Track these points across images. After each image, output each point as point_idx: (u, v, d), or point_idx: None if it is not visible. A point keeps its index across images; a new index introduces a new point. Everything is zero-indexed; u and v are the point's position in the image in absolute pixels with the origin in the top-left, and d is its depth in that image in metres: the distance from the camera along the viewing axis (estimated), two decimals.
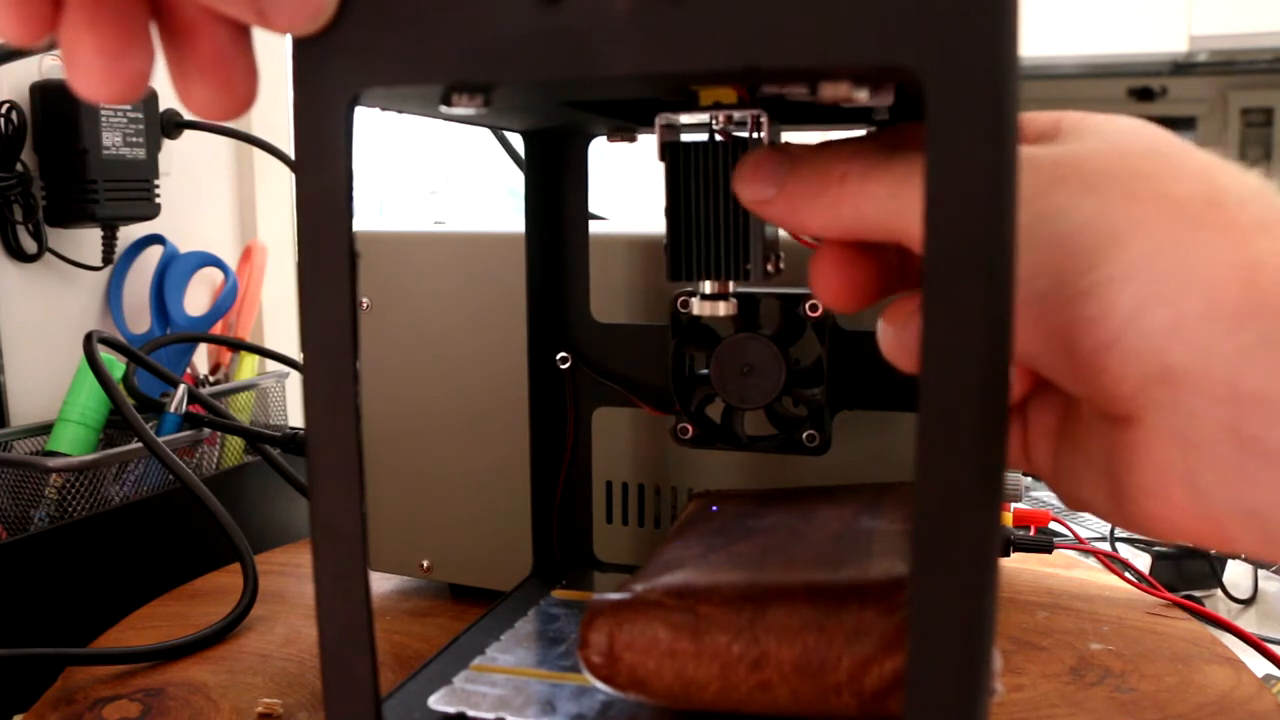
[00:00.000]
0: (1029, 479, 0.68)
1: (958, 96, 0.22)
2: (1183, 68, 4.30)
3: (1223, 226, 0.25)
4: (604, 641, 0.30)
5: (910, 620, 0.23)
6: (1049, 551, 0.58)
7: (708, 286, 0.38)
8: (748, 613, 0.29)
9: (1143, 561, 0.72)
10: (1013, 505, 0.56)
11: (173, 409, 0.69)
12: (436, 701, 0.34)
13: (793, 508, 0.38)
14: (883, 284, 0.30)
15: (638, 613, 0.30)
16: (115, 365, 0.71)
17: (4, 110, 0.72)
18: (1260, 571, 0.76)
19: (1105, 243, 0.25)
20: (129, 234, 0.83)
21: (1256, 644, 0.53)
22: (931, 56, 0.22)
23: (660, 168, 0.37)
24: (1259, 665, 0.51)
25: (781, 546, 0.33)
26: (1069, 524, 0.65)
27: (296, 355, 0.86)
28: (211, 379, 0.88)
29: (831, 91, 0.26)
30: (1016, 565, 0.63)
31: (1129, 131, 0.28)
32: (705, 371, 0.44)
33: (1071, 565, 0.64)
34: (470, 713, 0.33)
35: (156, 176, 0.80)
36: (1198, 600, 0.60)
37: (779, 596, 0.29)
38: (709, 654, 0.29)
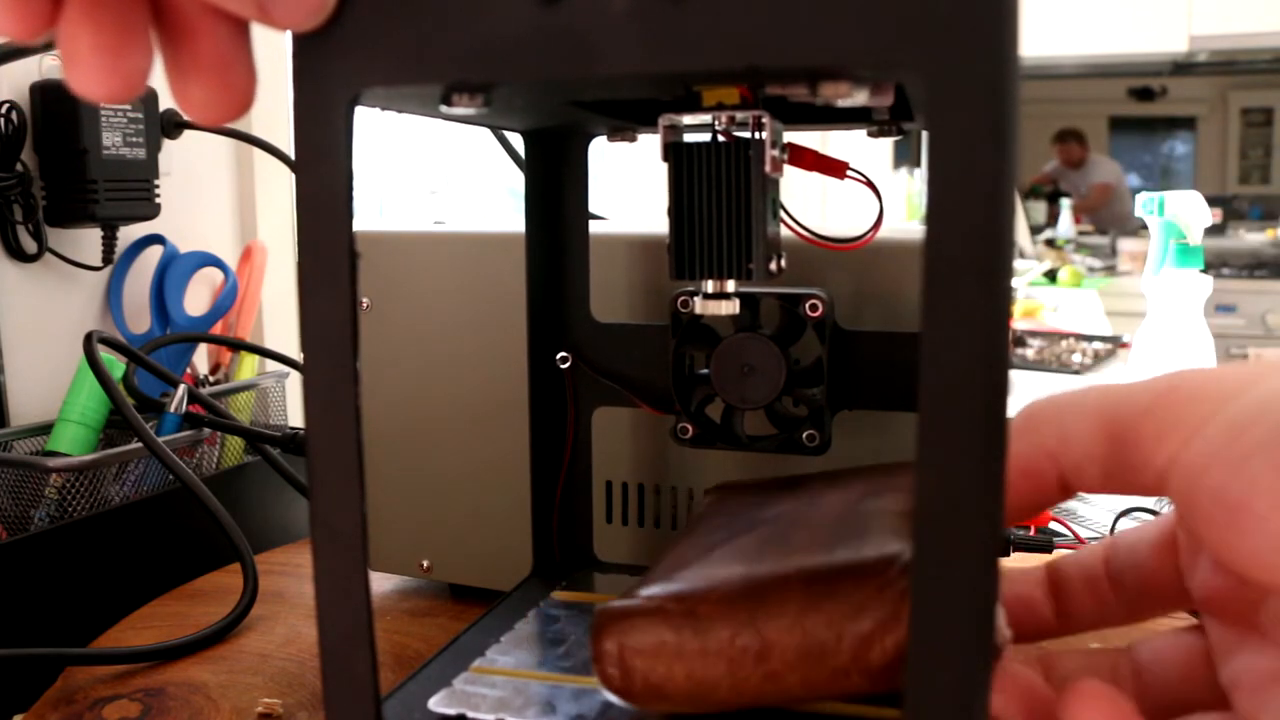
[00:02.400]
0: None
1: (958, 96, 0.22)
2: (1183, 68, 4.30)
3: None
4: (615, 650, 0.30)
5: (912, 620, 0.23)
6: (1049, 551, 0.58)
7: (709, 286, 0.38)
8: (747, 606, 0.29)
9: None
10: None
11: (173, 409, 0.69)
12: (437, 703, 0.34)
13: (801, 494, 0.38)
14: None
15: (642, 618, 0.30)
16: (115, 365, 0.71)
17: (4, 110, 0.72)
18: None
19: None
20: (129, 234, 0.83)
21: None
22: (931, 56, 0.22)
23: (662, 168, 0.37)
24: None
25: (782, 535, 0.34)
26: (1069, 523, 0.65)
27: (296, 355, 0.86)
28: (211, 379, 0.88)
29: (832, 91, 0.26)
30: (1017, 565, 0.63)
31: None
32: (705, 371, 0.44)
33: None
34: (470, 714, 0.33)
35: (156, 176, 0.80)
36: None
37: (775, 586, 0.30)
38: (715, 652, 0.29)
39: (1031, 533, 0.62)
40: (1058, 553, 0.61)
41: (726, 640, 0.29)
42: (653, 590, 0.31)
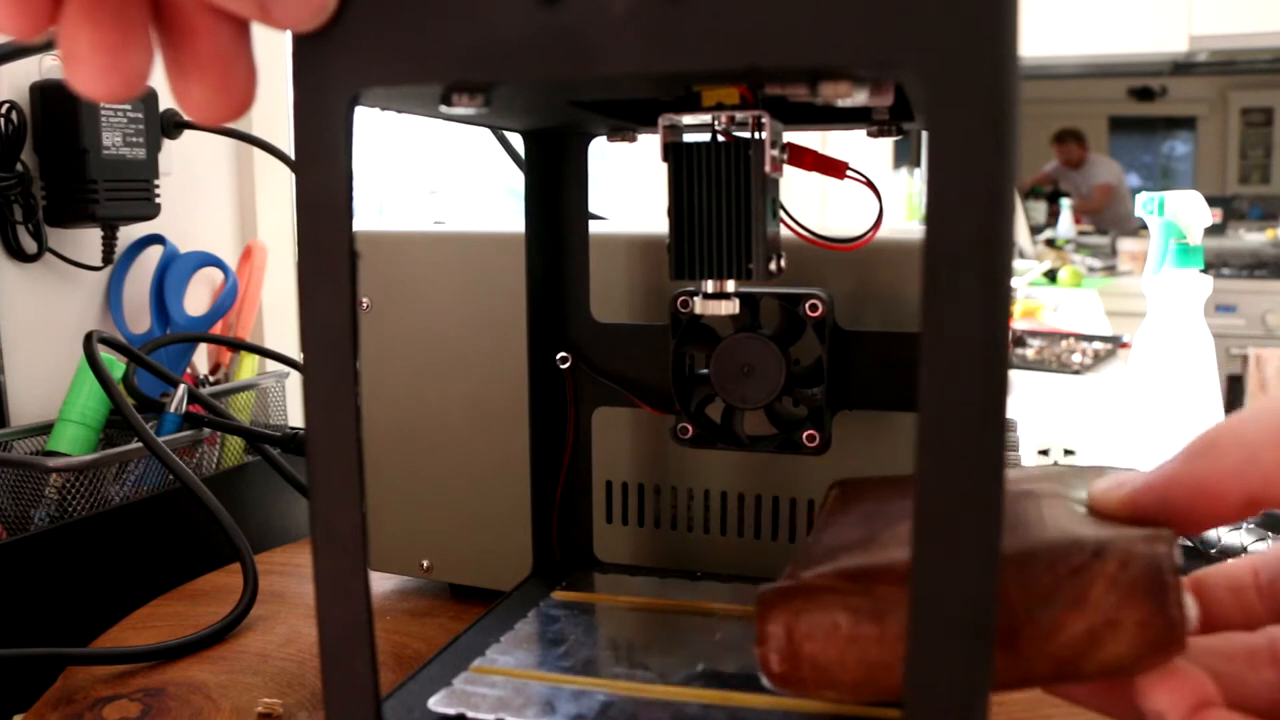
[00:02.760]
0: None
1: (958, 96, 0.22)
2: (1183, 68, 4.30)
3: None
4: (781, 633, 0.29)
5: (911, 617, 0.23)
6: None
7: (709, 286, 0.38)
8: None
9: None
10: None
11: (173, 409, 0.69)
12: (437, 703, 0.34)
13: None
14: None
15: (812, 600, 0.28)
16: (115, 365, 0.71)
17: (4, 110, 0.72)
18: None
19: None
20: (129, 234, 0.83)
21: None
22: (931, 56, 0.22)
23: (662, 168, 0.37)
24: None
25: None
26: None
27: (296, 355, 0.86)
28: (211, 379, 0.88)
29: (831, 91, 0.26)
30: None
31: None
32: (705, 371, 0.44)
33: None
34: (470, 714, 0.33)
35: (156, 176, 0.80)
36: None
37: None
38: (894, 635, 0.28)
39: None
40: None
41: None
42: (820, 570, 0.29)
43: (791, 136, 0.40)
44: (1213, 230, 0.98)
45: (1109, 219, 4.25)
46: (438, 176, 1.87)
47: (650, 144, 0.38)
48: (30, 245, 0.76)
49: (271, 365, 0.89)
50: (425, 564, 0.56)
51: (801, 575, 0.29)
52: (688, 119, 0.37)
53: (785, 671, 0.29)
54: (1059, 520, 0.30)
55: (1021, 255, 3.30)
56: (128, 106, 0.77)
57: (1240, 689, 0.30)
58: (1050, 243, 3.79)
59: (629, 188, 2.26)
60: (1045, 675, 0.27)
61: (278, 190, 1.00)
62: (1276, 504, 0.28)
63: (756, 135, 0.36)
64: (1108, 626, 0.27)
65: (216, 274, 0.89)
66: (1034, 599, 0.27)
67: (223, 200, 0.96)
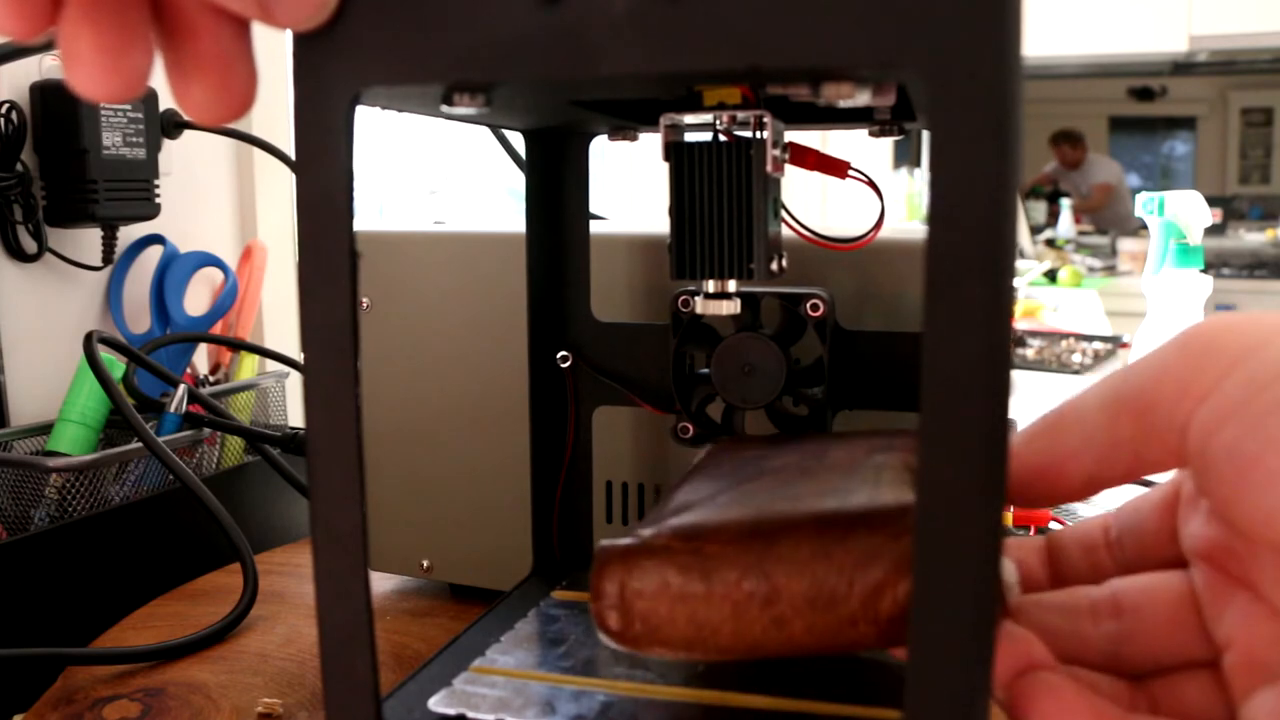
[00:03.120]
0: None
1: (958, 96, 0.22)
2: (1183, 68, 4.30)
3: None
4: (616, 590, 0.29)
5: (911, 621, 0.23)
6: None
7: (711, 285, 0.38)
8: (755, 548, 0.28)
9: None
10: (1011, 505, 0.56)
11: (173, 409, 0.69)
12: (437, 703, 0.34)
13: (805, 448, 0.37)
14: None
15: (646, 558, 0.29)
16: (115, 365, 0.71)
17: (4, 110, 0.72)
18: None
19: None
20: (129, 234, 0.83)
21: None
22: (933, 57, 0.22)
23: (663, 168, 0.37)
24: None
25: (790, 483, 0.33)
26: (1068, 523, 0.65)
27: (296, 355, 0.86)
28: (211, 379, 0.88)
29: (833, 92, 0.26)
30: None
31: None
32: (706, 371, 0.44)
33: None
34: (470, 714, 0.33)
35: (156, 176, 0.80)
36: None
37: (786, 530, 0.29)
38: (720, 594, 0.28)
39: (1031, 533, 0.62)
40: None
41: (733, 582, 0.28)
42: (656, 529, 0.30)
43: (793, 136, 0.40)
44: (1213, 230, 0.98)
45: (1109, 219, 4.25)
46: (438, 176, 1.87)
47: (651, 144, 0.38)
48: (30, 245, 0.76)
49: (271, 365, 0.89)
50: (425, 564, 0.56)
51: (640, 533, 0.30)
52: (689, 118, 0.36)
53: (619, 628, 0.29)
54: (895, 486, 0.30)
55: (1022, 255, 3.30)
56: (128, 106, 0.77)
57: (1082, 642, 0.30)
58: (1050, 243, 3.80)
59: (629, 188, 2.26)
60: (870, 637, 0.28)
61: (278, 190, 1.00)
62: (1116, 483, 0.28)
63: (758, 135, 0.36)
64: None
65: (216, 274, 0.89)
66: (859, 561, 0.27)
67: (223, 200, 0.96)
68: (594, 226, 0.47)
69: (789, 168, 0.39)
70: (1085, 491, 0.28)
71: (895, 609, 0.27)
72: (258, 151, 0.94)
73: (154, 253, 0.85)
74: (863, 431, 0.39)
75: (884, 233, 0.44)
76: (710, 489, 0.33)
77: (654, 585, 0.29)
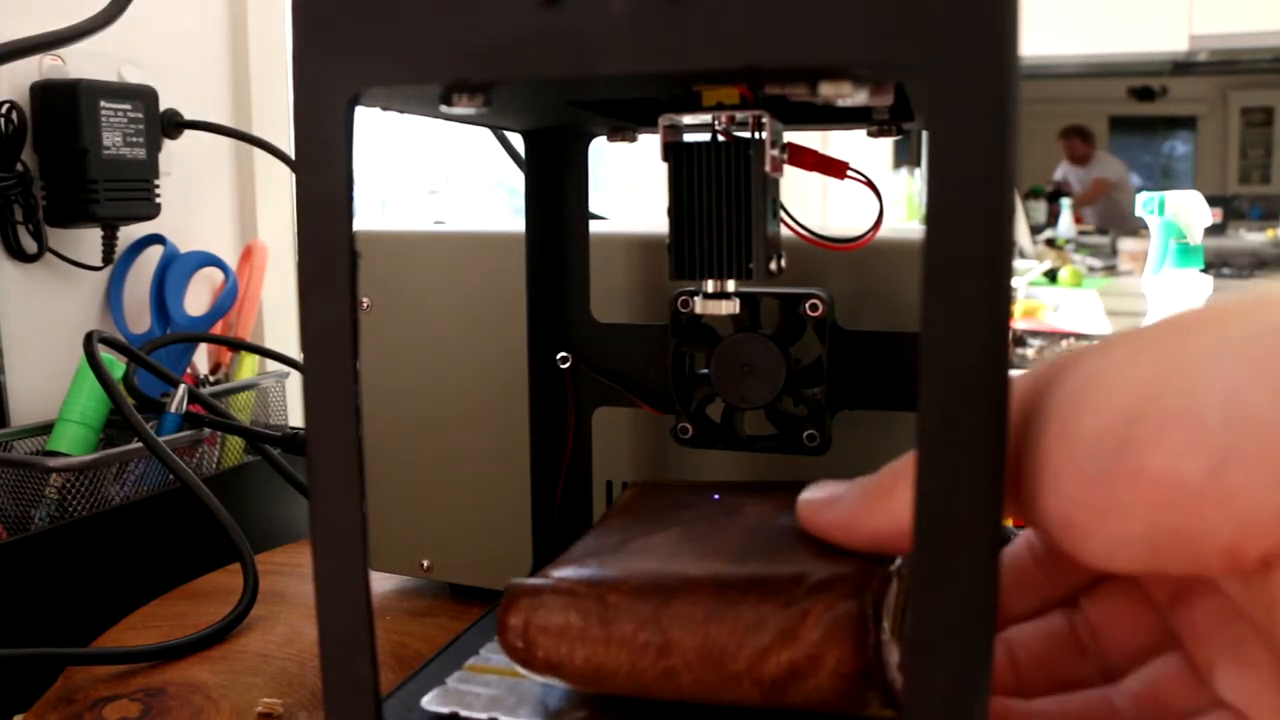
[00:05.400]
0: None
1: (958, 96, 0.22)
2: (1183, 67, 4.30)
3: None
4: (520, 625, 0.31)
5: (912, 620, 0.23)
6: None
7: (710, 285, 0.38)
8: (654, 602, 0.30)
9: None
10: None
11: (173, 409, 0.69)
12: (430, 702, 0.34)
13: (721, 501, 0.39)
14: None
15: (552, 599, 0.31)
16: (115, 365, 0.71)
17: (4, 110, 0.72)
18: None
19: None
20: (129, 234, 0.83)
21: None
22: (931, 56, 0.22)
23: (662, 168, 0.37)
24: None
25: (697, 538, 0.34)
26: None
27: (296, 355, 0.86)
28: (211, 379, 0.88)
29: (832, 91, 0.26)
30: None
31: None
32: (705, 371, 0.44)
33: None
34: (463, 713, 0.33)
35: (156, 176, 0.80)
36: None
37: (685, 588, 0.30)
38: (617, 640, 0.30)
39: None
40: None
41: (630, 633, 0.30)
42: (566, 572, 0.32)
43: (792, 136, 0.40)
44: (1213, 230, 0.98)
45: (1108, 216, 4.25)
46: (438, 176, 1.87)
47: (650, 144, 0.38)
48: (30, 245, 0.76)
49: (271, 365, 0.89)
50: (425, 564, 0.56)
51: (551, 574, 0.32)
52: (688, 119, 0.37)
53: (523, 660, 0.31)
54: (801, 546, 0.32)
55: (1021, 255, 3.30)
56: (128, 106, 0.77)
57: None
58: (1050, 243, 3.80)
59: (629, 188, 2.26)
60: (754, 696, 0.29)
61: (278, 190, 1.00)
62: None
63: (757, 135, 0.36)
64: (809, 661, 0.28)
65: (216, 274, 0.89)
66: (749, 626, 0.29)
67: (223, 200, 0.96)
68: (594, 226, 0.47)
69: (788, 168, 0.39)
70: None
71: (778, 673, 0.29)
72: (258, 151, 0.94)
73: (154, 253, 0.85)
74: (784, 484, 0.39)
75: (883, 232, 0.44)
76: (621, 536, 0.35)
77: (557, 624, 0.31)
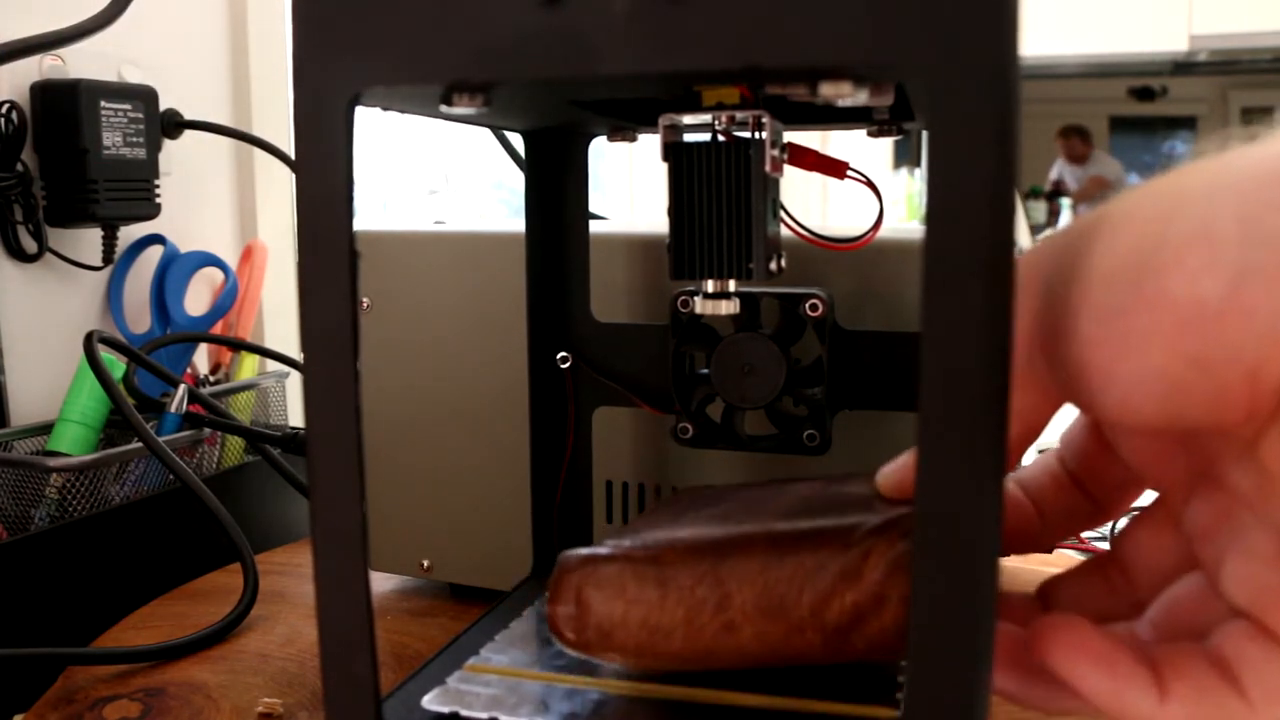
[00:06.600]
0: None
1: (958, 96, 0.22)
2: (1183, 68, 4.30)
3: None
4: (572, 594, 0.31)
5: (911, 618, 0.23)
6: (1049, 551, 0.58)
7: (710, 285, 0.38)
8: (710, 558, 0.30)
9: None
10: None
11: (173, 409, 0.69)
12: (430, 701, 0.34)
13: (769, 487, 0.39)
14: None
15: (605, 564, 0.31)
16: (115, 365, 0.71)
17: (4, 110, 0.72)
18: None
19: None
20: (129, 234, 0.83)
21: None
22: (931, 56, 0.22)
23: (662, 168, 0.37)
24: None
25: (749, 509, 0.34)
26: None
27: (296, 355, 0.86)
28: (212, 379, 0.88)
29: (832, 91, 0.26)
30: (1016, 564, 0.63)
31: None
32: (705, 371, 0.44)
33: (1071, 565, 0.63)
34: (463, 712, 0.33)
35: (156, 176, 0.80)
36: None
37: (740, 542, 0.30)
38: (674, 597, 0.30)
39: None
40: (1057, 552, 0.61)
41: (687, 588, 0.30)
42: (620, 540, 0.32)
43: (792, 136, 0.40)
44: None
45: None
46: (438, 176, 1.87)
47: (650, 144, 0.38)
48: (30, 245, 0.76)
49: (271, 365, 0.89)
50: (425, 564, 0.56)
51: (600, 548, 0.32)
52: (688, 119, 0.37)
53: (573, 629, 0.31)
54: (851, 505, 0.32)
55: (1022, 255, 3.29)
56: (128, 106, 0.77)
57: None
58: None
59: (629, 188, 2.26)
60: (816, 646, 0.29)
61: (278, 190, 1.00)
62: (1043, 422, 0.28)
63: (757, 135, 0.36)
64: (874, 601, 0.28)
65: (216, 274, 0.89)
66: (809, 571, 0.29)
67: (223, 200, 0.96)
68: (594, 226, 0.47)
69: (788, 168, 0.39)
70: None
71: (842, 618, 0.28)
72: (258, 151, 0.94)
73: (154, 253, 0.85)
74: (824, 475, 0.39)
75: (883, 232, 0.44)
76: (671, 518, 0.35)
77: (610, 589, 0.30)
